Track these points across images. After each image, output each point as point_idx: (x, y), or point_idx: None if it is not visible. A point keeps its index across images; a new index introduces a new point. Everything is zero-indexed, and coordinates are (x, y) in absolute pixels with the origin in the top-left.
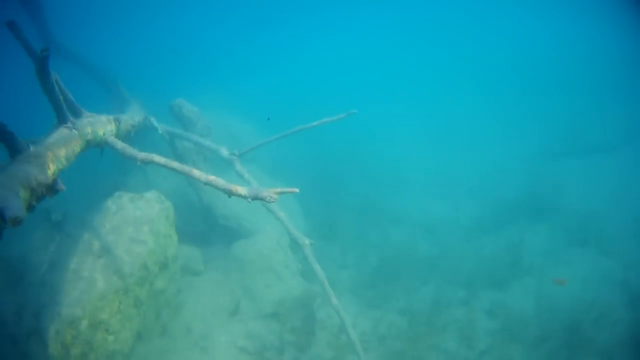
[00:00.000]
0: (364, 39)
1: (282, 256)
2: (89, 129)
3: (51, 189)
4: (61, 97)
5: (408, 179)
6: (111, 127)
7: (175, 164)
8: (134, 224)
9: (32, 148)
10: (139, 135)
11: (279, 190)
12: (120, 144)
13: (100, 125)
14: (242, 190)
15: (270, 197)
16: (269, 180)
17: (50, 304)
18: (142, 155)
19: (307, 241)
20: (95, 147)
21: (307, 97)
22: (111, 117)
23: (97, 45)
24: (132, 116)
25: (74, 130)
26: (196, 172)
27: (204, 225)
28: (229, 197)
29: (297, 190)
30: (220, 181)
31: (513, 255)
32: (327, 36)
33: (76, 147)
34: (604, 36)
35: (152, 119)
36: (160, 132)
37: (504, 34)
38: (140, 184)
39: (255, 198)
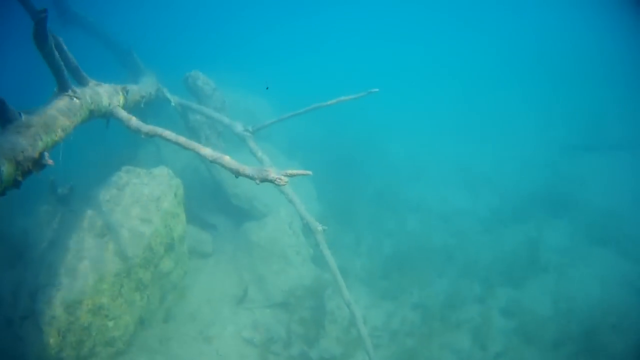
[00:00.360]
0: (389, 25)
1: (293, 240)
2: (93, 98)
3: (37, 163)
4: (62, 64)
5: (427, 166)
6: (118, 98)
7: (181, 139)
8: (140, 201)
9: (24, 117)
10: (153, 107)
11: (289, 172)
12: (125, 116)
13: (106, 95)
14: (249, 170)
15: (280, 179)
16: (284, 160)
17: (47, 285)
18: (146, 128)
19: (320, 227)
20: (101, 118)
21: (327, 81)
22: (119, 87)
23: (115, 15)
24: (144, 87)
25: (75, 99)
26: (203, 149)
27: (215, 204)
28: (236, 177)
29: (310, 172)
30: (227, 159)
31: (531, 251)
32: (352, 21)
33: (77, 117)
34: (631, 33)
35: (165, 90)
36: (173, 104)
37: (530, 26)
38: (151, 158)
39: (263, 180)
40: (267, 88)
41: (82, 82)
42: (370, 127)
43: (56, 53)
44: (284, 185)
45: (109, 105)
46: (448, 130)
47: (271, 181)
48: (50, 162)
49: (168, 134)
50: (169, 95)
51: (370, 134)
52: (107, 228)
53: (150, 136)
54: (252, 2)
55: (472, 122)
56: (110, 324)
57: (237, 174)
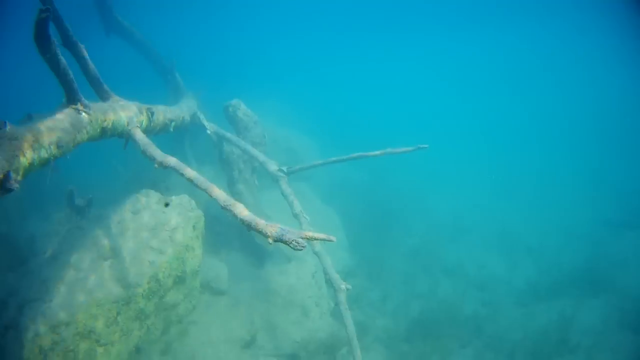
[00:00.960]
0: (445, 80)
1: (315, 291)
2: (107, 116)
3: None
4: (69, 72)
5: (468, 226)
6: (140, 118)
7: (193, 174)
8: (154, 229)
9: (8, 127)
10: (190, 133)
11: (309, 234)
12: (142, 139)
13: (126, 114)
14: (263, 225)
15: (297, 242)
16: (320, 205)
17: (37, 299)
18: (161, 157)
19: (343, 285)
20: (118, 137)
21: (373, 124)
22: (144, 107)
23: (162, 34)
24: (175, 110)
25: (83, 113)
26: (216, 191)
27: (240, 241)
28: (248, 231)
29: (333, 239)
30: (240, 209)
31: (562, 330)
32: (405, 70)
33: (82, 134)
34: None
35: (202, 117)
36: (208, 132)
37: (584, 91)
38: (183, 183)
39: (278, 240)
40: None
41: (102, 96)
42: (414, 178)
43: (62, 59)
44: (300, 249)
45: (127, 125)
46: (494, 191)
47: (286, 243)
48: (15, 186)
49: (184, 168)
50: (205, 122)
51: (414, 185)
52: (112, 252)
53: (164, 167)
54: (309, 35)
55: (519, 185)
56: (100, 350)
57: (249, 227)
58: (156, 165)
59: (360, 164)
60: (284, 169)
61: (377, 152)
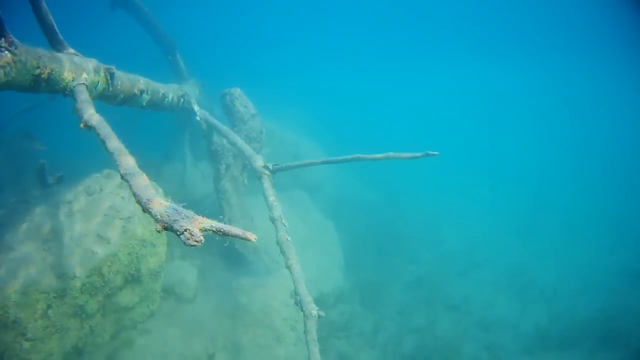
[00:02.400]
0: (470, 107)
1: (292, 313)
2: (44, 63)
3: None
4: None
5: (479, 263)
6: (94, 78)
7: (113, 143)
8: (107, 215)
9: None
10: (193, 125)
11: (208, 225)
12: (84, 98)
13: (73, 68)
14: (157, 207)
15: (190, 234)
16: (319, 217)
17: None
18: (87, 115)
19: (315, 312)
20: (60, 93)
21: (394, 141)
22: (103, 67)
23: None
24: (155, 83)
25: (4, 51)
26: (125, 160)
27: (218, 245)
28: (144, 211)
29: (254, 238)
30: (139, 181)
31: None
32: (435, 90)
33: None
34: None
35: (193, 101)
36: (197, 118)
37: (613, 135)
38: (174, 177)
39: (167, 228)
40: None
41: (56, 47)
42: (428, 203)
43: None
44: (193, 244)
45: (72, 81)
46: (510, 226)
47: (175, 232)
48: None
49: (108, 135)
50: (195, 106)
51: (427, 210)
52: (53, 234)
53: (88, 128)
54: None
55: (537, 224)
56: (27, 344)
57: (142, 205)
58: (81, 125)
59: (373, 182)
60: (270, 165)
61: (379, 156)
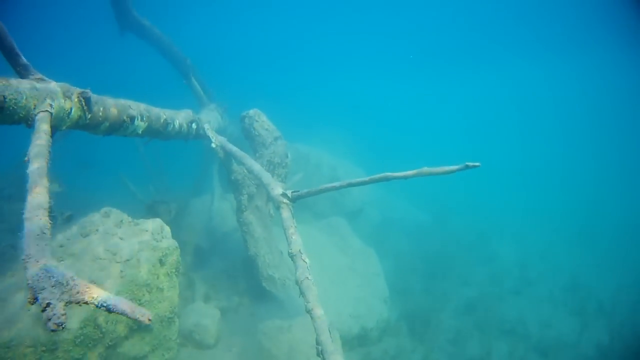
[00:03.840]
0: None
1: None
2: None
3: None
4: None
5: (533, 279)
6: (65, 104)
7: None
8: (102, 259)
9: None
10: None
11: (88, 298)
12: (42, 128)
13: (35, 94)
14: (32, 266)
15: (51, 312)
16: (358, 245)
17: None
18: (32, 152)
19: None
20: (19, 123)
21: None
22: (76, 91)
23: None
24: (154, 109)
25: None
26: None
27: (245, 283)
28: None
29: (144, 318)
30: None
31: None
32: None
33: None
34: None
35: (207, 126)
36: (213, 145)
37: None
38: (203, 209)
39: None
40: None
41: (19, 72)
42: (476, 218)
43: None
44: (52, 328)
45: (34, 108)
46: (564, 235)
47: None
48: None
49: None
50: (210, 132)
51: (477, 228)
52: None
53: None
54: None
55: (591, 230)
56: None
57: None
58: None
59: (420, 201)
60: (289, 193)
61: (410, 173)
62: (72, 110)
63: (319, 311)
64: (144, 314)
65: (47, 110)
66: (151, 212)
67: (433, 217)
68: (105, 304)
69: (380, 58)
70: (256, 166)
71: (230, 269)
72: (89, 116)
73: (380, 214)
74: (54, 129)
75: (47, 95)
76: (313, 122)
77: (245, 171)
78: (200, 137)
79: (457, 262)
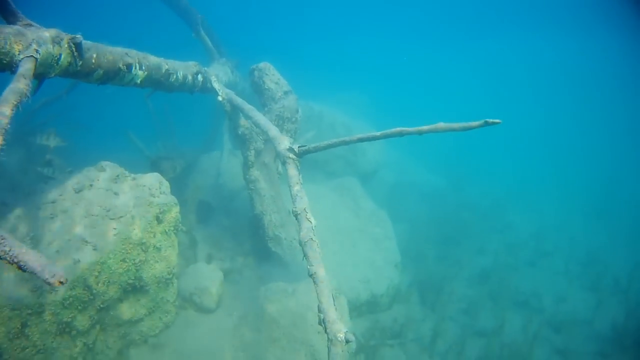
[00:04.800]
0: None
1: None
2: None
3: None
4: None
5: (550, 251)
6: (53, 50)
7: None
8: (95, 215)
9: None
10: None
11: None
12: (22, 71)
13: (20, 39)
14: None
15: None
16: (370, 207)
17: None
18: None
19: (341, 334)
20: (4, 70)
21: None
22: (67, 37)
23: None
24: (154, 58)
25: None
26: None
27: (250, 242)
28: None
29: (56, 282)
30: None
31: None
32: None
33: None
34: None
35: (213, 78)
36: (219, 98)
37: None
38: (211, 165)
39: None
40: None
41: (8, 20)
42: (493, 185)
43: None
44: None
45: (19, 53)
46: (582, 208)
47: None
48: None
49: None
50: (216, 85)
51: (494, 194)
52: (31, 240)
53: None
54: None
55: (609, 204)
56: None
57: None
58: None
59: (436, 165)
60: (295, 147)
61: (425, 128)
62: (62, 57)
63: (322, 274)
64: (54, 275)
65: (31, 56)
66: (155, 168)
67: (448, 181)
68: (15, 260)
69: (399, 22)
70: (263, 119)
71: (236, 228)
72: (80, 63)
73: (395, 177)
74: (42, 76)
75: (33, 40)
76: (329, 84)
77: (253, 126)
78: (207, 90)
79: (471, 229)
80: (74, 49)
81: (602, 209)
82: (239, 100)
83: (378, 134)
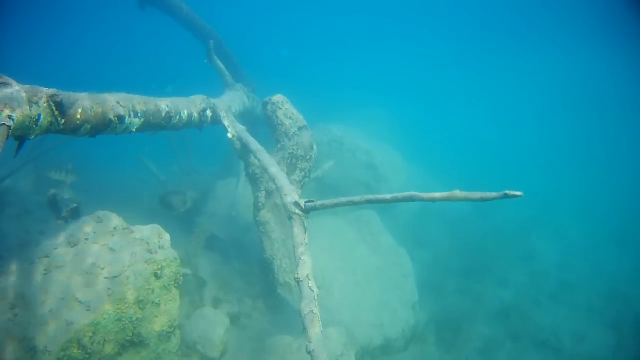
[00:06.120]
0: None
1: None
2: None
3: None
4: None
5: (572, 283)
6: (31, 112)
7: None
8: (89, 272)
9: None
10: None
11: None
12: None
13: None
14: None
15: None
16: (389, 243)
17: None
18: None
19: None
20: None
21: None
22: (44, 94)
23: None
24: (150, 99)
25: None
26: None
27: (261, 286)
28: None
29: None
30: None
31: None
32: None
33: None
34: None
35: (222, 114)
36: (229, 135)
37: None
38: (226, 194)
39: None
40: None
41: None
42: (521, 212)
43: None
44: None
45: None
46: (608, 234)
47: None
48: None
49: None
50: (226, 121)
51: (519, 220)
52: (21, 298)
53: None
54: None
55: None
56: None
57: None
58: None
59: (462, 187)
60: (302, 202)
61: (438, 195)
62: (41, 117)
63: (322, 355)
64: None
65: (3, 124)
66: (164, 204)
67: (472, 207)
68: None
69: (422, 38)
70: (272, 165)
71: (247, 266)
72: (63, 121)
73: (416, 204)
74: (21, 137)
75: (6, 104)
76: (350, 100)
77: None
78: (218, 122)
79: (495, 258)
80: (54, 107)
81: (628, 236)
82: (249, 139)
83: (388, 197)
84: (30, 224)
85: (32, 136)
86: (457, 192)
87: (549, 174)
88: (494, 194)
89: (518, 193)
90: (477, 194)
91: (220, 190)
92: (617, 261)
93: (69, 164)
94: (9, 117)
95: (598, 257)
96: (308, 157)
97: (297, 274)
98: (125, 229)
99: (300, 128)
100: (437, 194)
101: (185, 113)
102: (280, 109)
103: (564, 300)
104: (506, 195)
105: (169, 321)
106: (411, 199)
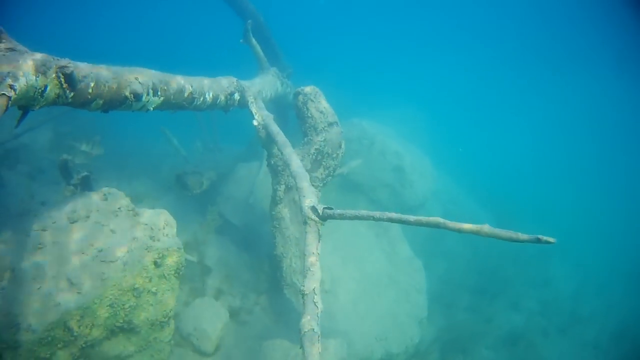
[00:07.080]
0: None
1: None
2: None
3: None
4: None
5: (583, 317)
6: (38, 82)
7: None
8: (87, 253)
9: None
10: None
11: None
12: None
13: None
14: None
15: None
16: (406, 254)
17: None
18: None
19: None
20: None
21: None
22: (55, 64)
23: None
24: (170, 77)
25: None
26: None
27: (268, 281)
28: None
29: None
30: None
31: None
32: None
33: None
34: None
35: (250, 100)
36: (255, 123)
37: None
38: (244, 180)
39: None
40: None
41: None
42: (545, 234)
43: None
44: None
45: None
46: (628, 268)
47: None
48: None
49: None
50: (254, 109)
51: (541, 246)
52: (11, 272)
53: None
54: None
55: None
56: None
57: None
58: None
59: (487, 200)
60: (320, 209)
61: (467, 227)
62: (47, 89)
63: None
64: None
65: (3, 94)
66: (180, 183)
67: (498, 220)
68: None
69: (473, 47)
70: (295, 161)
71: (255, 261)
72: (71, 95)
73: (443, 210)
74: (24, 108)
75: (8, 74)
76: (383, 99)
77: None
78: (245, 107)
79: (511, 279)
80: (62, 80)
81: None
82: (275, 130)
83: (412, 219)
84: (38, 187)
85: (37, 107)
86: (486, 227)
87: (580, 200)
88: (525, 237)
89: (551, 240)
90: (507, 233)
91: (242, 172)
92: (634, 298)
93: (97, 136)
94: (11, 86)
95: (614, 292)
96: (335, 155)
97: (304, 286)
98: (130, 210)
99: (330, 124)
100: (465, 226)
101: (211, 95)
102: (312, 100)
103: (573, 335)
104: (538, 241)
105: (164, 311)
106: (437, 225)
